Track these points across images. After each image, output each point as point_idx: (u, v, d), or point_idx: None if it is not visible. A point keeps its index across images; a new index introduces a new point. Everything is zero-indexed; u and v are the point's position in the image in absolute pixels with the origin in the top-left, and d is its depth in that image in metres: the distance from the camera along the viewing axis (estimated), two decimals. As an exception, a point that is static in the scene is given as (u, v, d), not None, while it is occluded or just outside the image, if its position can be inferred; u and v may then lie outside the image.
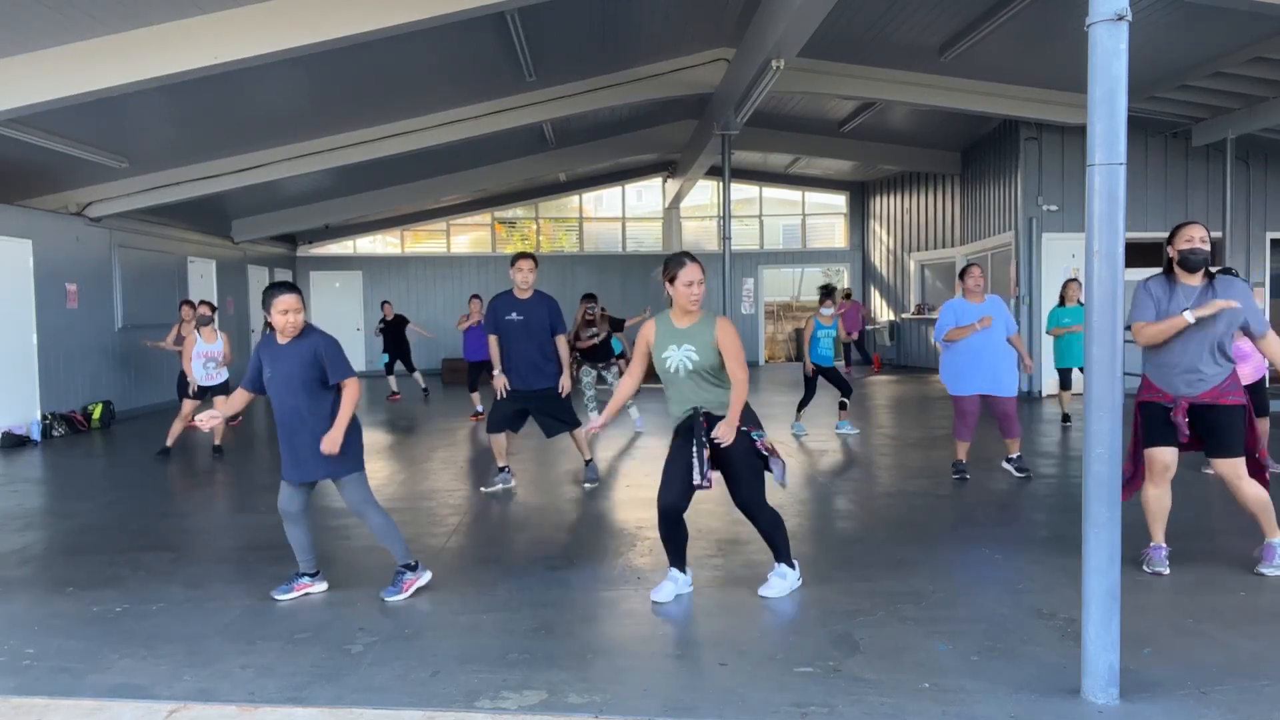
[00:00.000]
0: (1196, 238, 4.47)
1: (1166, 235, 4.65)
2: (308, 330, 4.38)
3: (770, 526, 4.36)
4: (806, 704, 3.20)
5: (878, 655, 3.62)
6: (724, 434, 4.14)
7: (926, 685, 3.34)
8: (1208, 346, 4.46)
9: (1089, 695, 3.18)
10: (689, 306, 4.21)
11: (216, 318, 9.25)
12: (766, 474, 4.32)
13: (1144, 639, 3.72)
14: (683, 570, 4.42)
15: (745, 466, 4.23)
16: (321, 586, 4.57)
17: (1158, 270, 4.73)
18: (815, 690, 3.31)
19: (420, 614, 4.21)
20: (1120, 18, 3.02)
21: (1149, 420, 4.63)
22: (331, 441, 4.24)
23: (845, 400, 9.67)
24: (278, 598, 4.42)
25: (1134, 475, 4.76)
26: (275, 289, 4.31)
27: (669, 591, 4.37)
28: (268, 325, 4.42)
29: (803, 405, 9.65)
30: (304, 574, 4.52)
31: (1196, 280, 4.52)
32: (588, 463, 7.17)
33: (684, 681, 3.42)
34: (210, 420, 4.25)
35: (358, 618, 4.17)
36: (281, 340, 4.35)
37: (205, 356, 9.02)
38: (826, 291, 9.81)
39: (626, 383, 4.45)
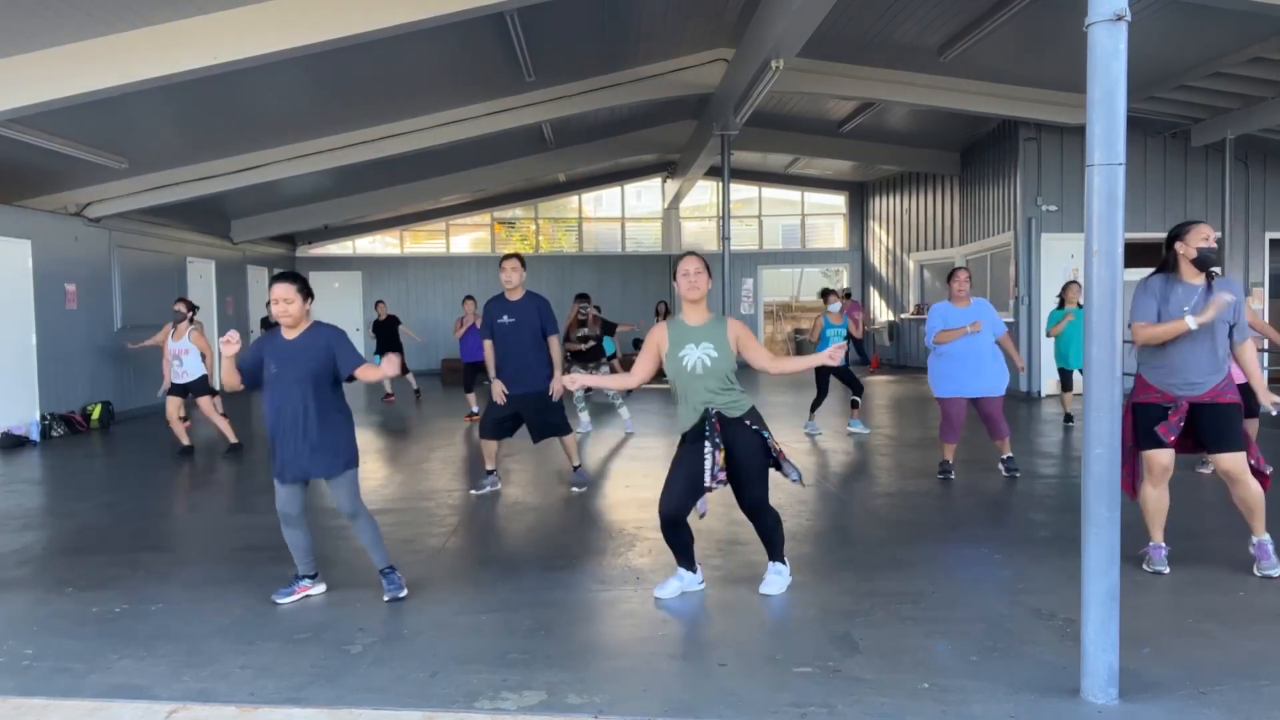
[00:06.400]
0: (1213, 236, 4.45)
1: (1166, 234, 4.62)
2: (316, 325, 4.38)
3: (773, 526, 4.39)
4: (806, 704, 3.20)
5: (877, 655, 3.62)
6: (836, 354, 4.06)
7: (926, 685, 3.34)
8: (1208, 348, 4.42)
9: (1088, 695, 3.18)
10: (689, 295, 4.25)
11: (193, 315, 9.26)
12: (774, 474, 4.33)
13: (1143, 639, 3.72)
14: (692, 569, 4.44)
15: (755, 467, 4.24)
16: (320, 588, 4.56)
17: (1152, 269, 4.69)
18: (815, 690, 3.31)
19: (420, 614, 4.21)
20: (1119, 18, 3.02)
21: (1146, 421, 4.55)
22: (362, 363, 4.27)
23: (857, 399, 9.72)
24: (279, 601, 4.40)
25: (1131, 475, 4.71)
26: (275, 279, 4.34)
27: (674, 588, 4.39)
28: (264, 324, 4.43)
29: (815, 405, 9.67)
30: (303, 576, 4.51)
31: (1198, 280, 4.47)
32: (576, 468, 7.03)
33: (684, 681, 3.42)
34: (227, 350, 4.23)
35: (357, 618, 4.17)
36: (288, 335, 4.34)
37: (172, 355, 9.09)
38: (825, 292, 9.90)
39: (629, 378, 4.30)
